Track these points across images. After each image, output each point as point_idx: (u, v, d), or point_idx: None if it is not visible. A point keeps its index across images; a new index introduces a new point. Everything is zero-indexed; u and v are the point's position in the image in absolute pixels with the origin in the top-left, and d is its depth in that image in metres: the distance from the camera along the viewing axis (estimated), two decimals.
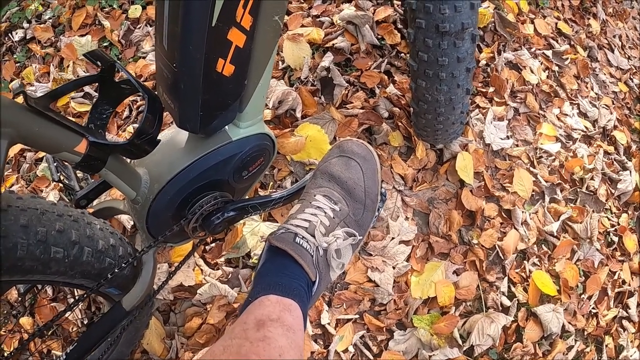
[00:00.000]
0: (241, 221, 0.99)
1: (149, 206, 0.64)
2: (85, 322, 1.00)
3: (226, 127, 0.66)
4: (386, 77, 1.16)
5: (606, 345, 1.15)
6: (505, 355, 1.03)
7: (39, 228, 0.49)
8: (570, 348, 1.09)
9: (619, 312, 1.18)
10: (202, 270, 0.98)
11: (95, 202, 0.75)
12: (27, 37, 1.39)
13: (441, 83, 0.83)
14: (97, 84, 0.56)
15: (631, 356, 1.16)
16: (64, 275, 0.54)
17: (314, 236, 0.53)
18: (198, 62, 0.52)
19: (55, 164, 0.75)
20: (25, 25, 1.41)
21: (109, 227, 0.63)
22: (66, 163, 0.78)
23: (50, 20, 1.41)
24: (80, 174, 0.83)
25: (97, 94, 1.26)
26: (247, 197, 0.81)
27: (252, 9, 0.52)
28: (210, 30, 0.50)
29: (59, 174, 0.75)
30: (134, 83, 0.54)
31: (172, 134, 0.68)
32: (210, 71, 0.54)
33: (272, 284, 0.49)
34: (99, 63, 0.52)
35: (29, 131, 0.44)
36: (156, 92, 0.60)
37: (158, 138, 0.58)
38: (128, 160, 0.64)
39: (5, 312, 1.04)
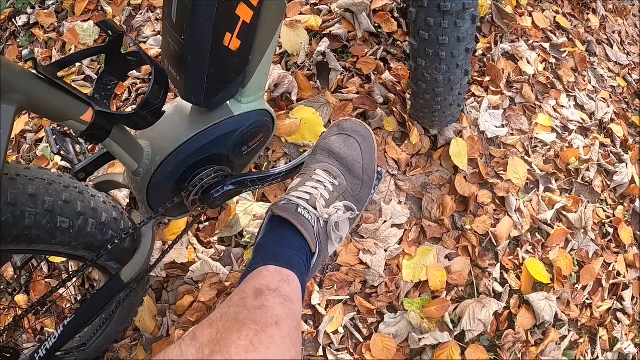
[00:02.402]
0: (235, 200, 1.00)
1: (150, 178, 0.65)
2: (79, 298, 1.01)
3: (228, 102, 0.67)
4: (382, 64, 1.17)
5: (600, 337, 1.14)
6: (497, 342, 1.03)
7: (47, 198, 0.50)
8: (563, 338, 1.09)
9: (613, 304, 1.18)
10: (195, 248, 0.99)
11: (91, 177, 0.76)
12: (31, 22, 1.42)
13: (441, 62, 0.84)
14: (103, 58, 0.57)
15: (625, 349, 1.16)
16: (67, 246, 0.55)
17: (315, 208, 0.55)
18: (207, 35, 0.54)
19: (54, 137, 0.76)
20: (29, 10, 1.43)
21: (112, 201, 0.65)
22: (65, 137, 0.79)
23: (54, 6, 1.43)
24: (78, 149, 0.84)
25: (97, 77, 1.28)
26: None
27: None
28: (219, 4, 0.51)
29: (58, 147, 0.76)
30: (142, 54, 0.55)
31: (174, 108, 0.68)
32: (217, 45, 0.55)
33: (272, 255, 0.50)
34: (109, 32, 0.53)
35: (37, 98, 0.45)
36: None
37: (162, 110, 0.59)
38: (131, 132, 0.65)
39: (1, 288, 1.05)
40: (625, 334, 1.18)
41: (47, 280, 1.05)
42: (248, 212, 0.99)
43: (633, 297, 1.21)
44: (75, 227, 0.54)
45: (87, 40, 1.35)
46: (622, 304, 1.19)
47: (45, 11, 1.43)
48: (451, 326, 0.99)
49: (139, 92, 1.19)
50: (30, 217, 0.47)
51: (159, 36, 1.29)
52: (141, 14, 1.34)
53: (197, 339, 0.37)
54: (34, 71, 0.45)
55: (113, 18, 1.35)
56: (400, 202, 1.06)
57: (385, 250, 1.01)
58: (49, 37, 1.39)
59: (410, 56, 0.91)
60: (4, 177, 0.47)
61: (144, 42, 1.29)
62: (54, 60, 1.36)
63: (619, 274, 1.21)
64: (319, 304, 0.96)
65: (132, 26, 1.34)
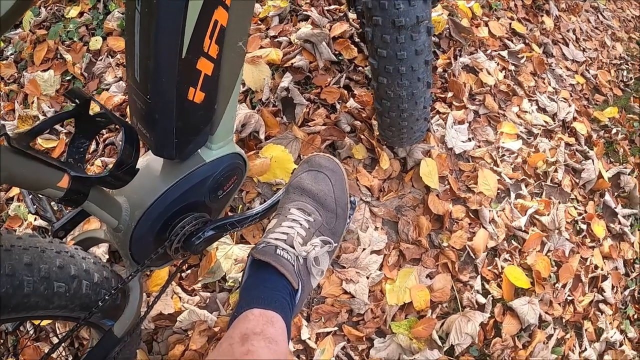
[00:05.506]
0: (214, 246, 1.01)
1: (131, 233, 0.66)
2: (70, 359, 1.00)
3: (199, 150, 0.68)
4: (346, 91, 1.19)
5: (586, 330, 1.17)
6: (486, 351, 1.06)
7: (42, 265, 0.52)
8: (550, 337, 1.12)
9: (594, 296, 1.21)
10: (180, 297, 0.99)
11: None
12: None
13: (402, 78, 0.85)
14: (72, 119, 0.58)
15: (612, 337, 1.19)
16: (64, 309, 0.56)
17: (293, 247, 0.57)
18: (171, 93, 0.55)
19: (30, 197, 0.76)
20: None
21: (100, 261, 0.66)
22: (40, 195, 0.79)
23: (12, 56, 1.41)
24: (55, 206, 0.84)
25: (63, 129, 1.27)
26: (223, 216, 0.83)
27: (218, 38, 0.55)
28: (180, 61, 0.53)
29: (35, 206, 0.76)
30: (111, 116, 0.56)
31: (147, 161, 0.70)
32: (182, 100, 0.57)
33: (255, 298, 0.52)
34: (77, 101, 0.55)
35: (14, 171, 0.46)
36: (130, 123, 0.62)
37: (136, 167, 0.60)
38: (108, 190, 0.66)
39: None
40: (610, 323, 1.22)
41: (36, 344, 1.04)
42: (229, 255, 1.00)
43: (613, 287, 1.25)
44: (71, 290, 0.56)
45: (48, 91, 1.33)
46: (603, 295, 1.23)
47: (4, 62, 1.41)
48: (440, 342, 1.02)
49: (106, 142, 1.18)
50: (28, 286, 0.49)
51: (121, 82, 1.28)
52: (101, 59, 1.33)
53: None
54: (7, 144, 0.45)
55: (73, 65, 1.34)
56: (376, 228, 1.07)
57: (367, 278, 1.03)
58: (10, 90, 1.37)
59: (371, 76, 0.91)
60: (0, 250, 0.48)
61: (107, 90, 1.28)
62: (17, 113, 1.34)
63: (596, 267, 1.25)
64: (309, 338, 0.97)
65: (93, 73, 1.33)
